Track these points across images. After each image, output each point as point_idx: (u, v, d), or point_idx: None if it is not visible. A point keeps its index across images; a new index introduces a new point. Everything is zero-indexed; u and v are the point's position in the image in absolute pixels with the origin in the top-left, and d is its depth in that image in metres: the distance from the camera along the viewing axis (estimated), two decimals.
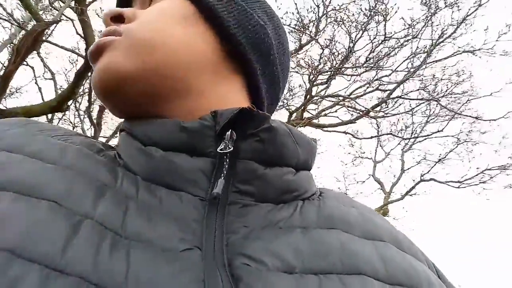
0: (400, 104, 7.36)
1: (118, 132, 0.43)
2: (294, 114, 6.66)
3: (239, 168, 0.35)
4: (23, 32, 4.52)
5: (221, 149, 0.35)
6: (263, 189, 0.36)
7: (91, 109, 5.53)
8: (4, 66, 4.73)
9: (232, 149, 0.35)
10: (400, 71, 7.04)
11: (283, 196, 0.37)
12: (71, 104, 4.86)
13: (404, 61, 7.09)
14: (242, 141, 0.36)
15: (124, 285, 0.25)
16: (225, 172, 0.34)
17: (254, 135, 0.36)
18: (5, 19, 4.69)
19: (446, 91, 7.08)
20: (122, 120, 0.44)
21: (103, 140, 6.43)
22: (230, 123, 0.35)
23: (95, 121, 5.40)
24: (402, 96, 7.16)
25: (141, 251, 0.28)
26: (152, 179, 0.35)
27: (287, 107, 6.84)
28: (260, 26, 0.45)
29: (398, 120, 7.53)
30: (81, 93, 5.91)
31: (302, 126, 6.49)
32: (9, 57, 4.29)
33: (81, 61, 5.31)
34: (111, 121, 7.58)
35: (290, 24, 6.71)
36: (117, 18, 0.42)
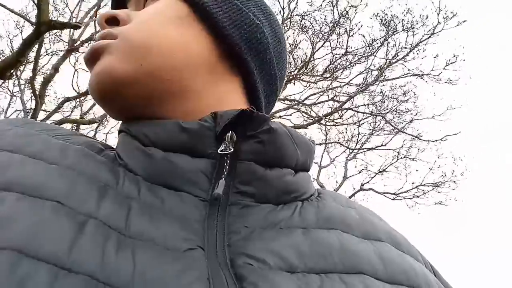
0: (350, 116, 7.71)
1: (117, 133, 0.43)
2: None
3: (240, 169, 0.36)
4: None
5: (221, 151, 0.35)
6: (263, 190, 0.36)
7: (34, 80, 5.18)
8: None
9: (232, 150, 0.35)
10: (353, 84, 7.37)
11: (282, 197, 0.38)
12: (13, 72, 4.51)
13: (357, 75, 7.44)
14: (242, 142, 0.36)
15: (131, 284, 0.25)
16: (225, 173, 0.35)
17: (254, 137, 0.36)
18: None
19: (392, 108, 7.53)
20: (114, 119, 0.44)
21: (44, 114, 6.04)
22: (230, 124, 0.35)
23: (37, 93, 5.06)
24: (352, 108, 7.49)
25: (146, 250, 0.28)
26: (153, 180, 0.35)
27: None
28: (256, 25, 0.45)
29: (346, 129, 7.88)
30: (25, 62, 5.51)
31: None
32: None
33: (29, 28, 4.97)
34: (54, 95, 7.16)
35: None
36: (112, 21, 0.41)
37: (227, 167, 0.35)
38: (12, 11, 4.62)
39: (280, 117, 7.30)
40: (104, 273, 0.25)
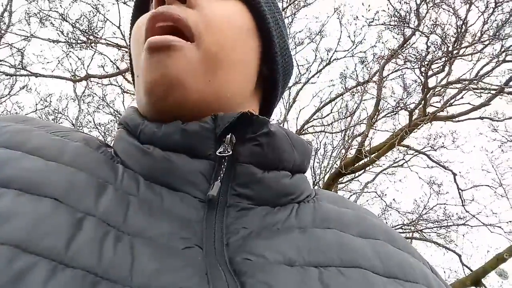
0: None
1: (117, 126, 0.42)
2: (416, 112, 6.15)
3: (238, 172, 0.36)
4: None
5: (220, 152, 0.35)
6: (261, 192, 0.36)
7: None
8: None
9: (231, 152, 0.35)
10: None
11: (279, 200, 0.38)
12: None
13: None
14: (241, 145, 0.36)
15: (129, 278, 0.25)
16: (222, 175, 0.35)
17: (253, 140, 0.36)
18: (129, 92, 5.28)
19: None
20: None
21: None
22: (230, 127, 0.35)
23: None
24: None
25: (144, 246, 0.28)
26: (151, 178, 0.35)
27: (405, 107, 6.35)
28: (290, 58, 0.46)
29: None
30: None
31: (427, 122, 5.94)
32: None
33: None
34: None
35: (384, 23, 6.37)
36: None
37: (224, 169, 0.35)
38: None
39: (451, 104, 6.47)
40: (102, 267, 0.25)
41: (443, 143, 6.62)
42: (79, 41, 6.00)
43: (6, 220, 0.26)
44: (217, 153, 0.35)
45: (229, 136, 0.35)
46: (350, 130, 6.38)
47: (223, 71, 0.38)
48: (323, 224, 0.37)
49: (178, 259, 0.28)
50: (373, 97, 6.32)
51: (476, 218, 6.08)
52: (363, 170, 6.29)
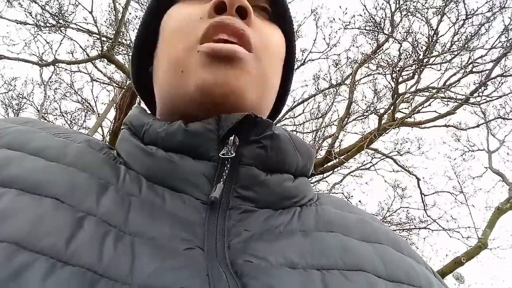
0: (503, 83, 6.55)
1: (121, 127, 0.42)
2: (386, 117, 6.28)
3: (241, 174, 0.35)
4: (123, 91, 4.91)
5: (223, 154, 0.35)
6: (263, 195, 0.36)
7: None
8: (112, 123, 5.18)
9: (234, 154, 0.35)
10: (496, 48, 6.31)
11: (282, 203, 0.38)
12: None
13: (499, 36, 6.36)
14: (244, 147, 0.36)
15: (129, 276, 0.25)
16: (224, 177, 0.34)
17: (256, 142, 0.36)
18: (107, 83, 5.17)
19: None
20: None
21: None
22: (234, 128, 0.35)
23: None
24: (504, 74, 6.37)
25: (145, 246, 0.28)
26: (153, 179, 0.35)
27: (375, 112, 6.48)
28: (293, 74, 0.50)
29: (505, 102, 6.68)
30: None
31: (395, 127, 6.09)
32: (115, 115, 4.69)
33: None
34: None
35: (360, 27, 6.47)
36: (240, 11, 0.39)
37: (226, 171, 0.35)
38: None
39: (419, 111, 6.65)
40: (101, 266, 0.25)
41: (409, 148, 6.80)
42: (48, 24, 5.76)
43: (6, 218, 0.26)
44: (220, 155, 0.35)
45: (232, 137, 0.35)
46: (321, 131, 6.45)
47: (266, 91, 0.41)
48: (325, 228, 0.37)
49: (179, 259, 0.28)
50: (344, 100, 6.42)
51: (437, 223, 6.29)
52: (331, 171, 6.37)
